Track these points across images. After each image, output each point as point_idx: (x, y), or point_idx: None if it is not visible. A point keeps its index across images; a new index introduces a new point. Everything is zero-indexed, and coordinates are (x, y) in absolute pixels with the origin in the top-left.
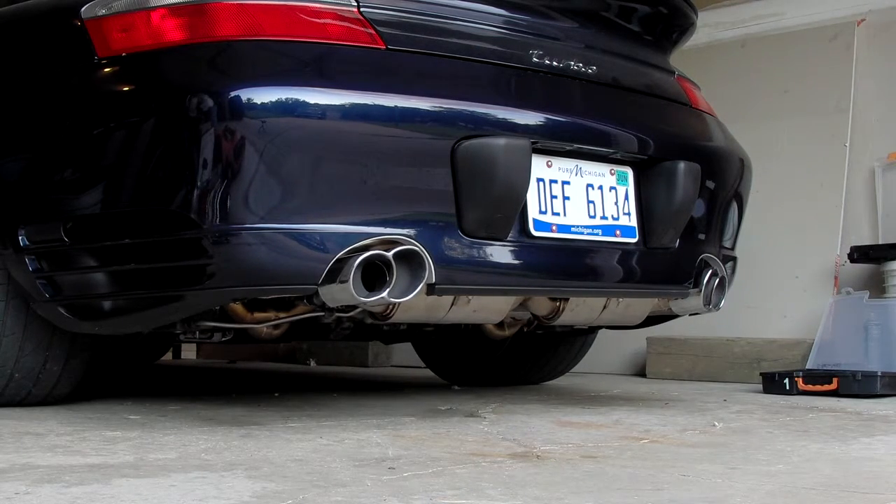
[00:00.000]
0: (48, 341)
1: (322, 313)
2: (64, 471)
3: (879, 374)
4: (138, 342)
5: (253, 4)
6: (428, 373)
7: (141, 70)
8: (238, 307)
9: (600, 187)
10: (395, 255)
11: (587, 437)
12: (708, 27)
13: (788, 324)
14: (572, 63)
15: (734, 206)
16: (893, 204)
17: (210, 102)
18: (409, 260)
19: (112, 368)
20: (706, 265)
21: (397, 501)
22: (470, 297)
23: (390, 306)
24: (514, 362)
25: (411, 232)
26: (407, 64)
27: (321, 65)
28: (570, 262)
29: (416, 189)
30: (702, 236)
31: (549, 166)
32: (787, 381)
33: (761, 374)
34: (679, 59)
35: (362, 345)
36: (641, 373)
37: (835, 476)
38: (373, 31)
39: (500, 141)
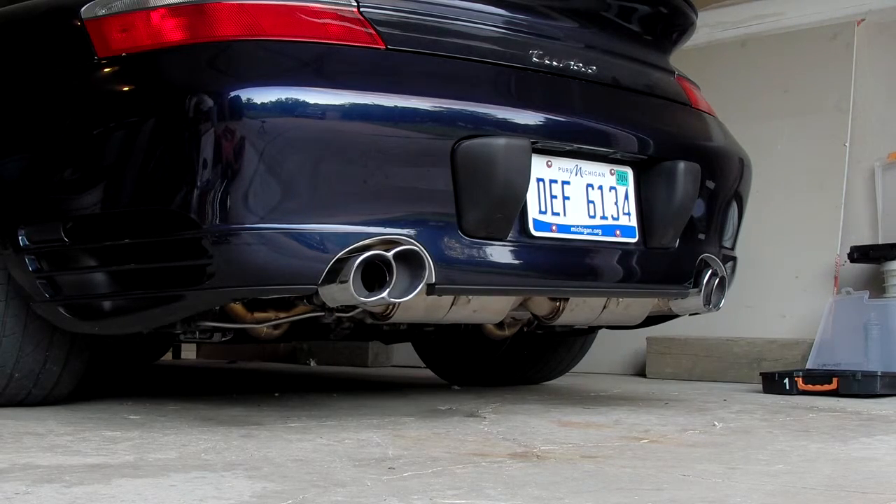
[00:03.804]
0: (48, 341)
1: (322, 313)
2: (64, 471)
3: (879, 374)
4: (138, 342)
5: (253, 4)
6: (428, 373)
7: (141, 70)
8: (238, 307)
9: (600, 187)
10: (395, 255)
11: (587, 437)
12: (708, 27)
13: (788, 324)
14: (572, 63)
15: (734, 205)
16: (893, 204)
17: (210, 102)
18: (409, 260)
19: (112, 368)
20: (706, 265)
21: (397, 501)
22: (470, 297)
23: (390, 306)
24: (514, 362)
25: (411, 232)
26: (407, 64)
27: (321, 65)
28: (570, 262)
29: (416, 189)
30: (702, 236)
31: (549, 166)
32: (787, 381)
33: (761, 374)
34: (679, 59)
35: (362, 345)
36: (641, 373)
37: (835, 476)
38: (373, 31)
39: (500, 141)
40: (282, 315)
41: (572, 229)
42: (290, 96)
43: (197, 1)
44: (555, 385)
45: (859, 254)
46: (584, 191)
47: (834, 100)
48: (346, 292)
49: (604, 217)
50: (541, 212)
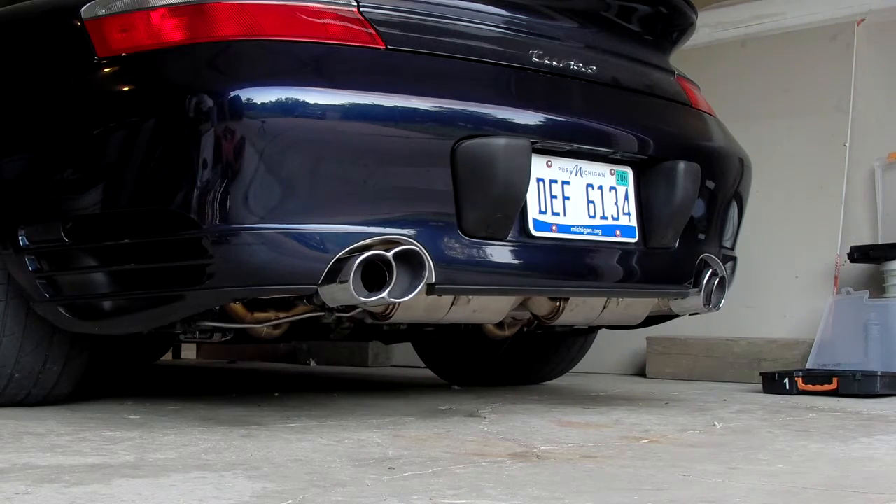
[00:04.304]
0: (48, 341)
1: (322, 313)
2: (64, 471)
3: (879, 374)
4: (138, 342)
5: (253, 4)
6: (428, 373)
7: (141, 70)
8: (238, 307)
9: (600, 187)
10: (395, 255)
11: (587, 437)
12: (708, 27)
13: (788, 324)
14: (572, 63)
15: (734, 205)
16: (893, 204)
17: (210, 102)
18: (409, 260)
19: (112, 368)
20: (706, 265)
21: (397, 501)
22: (470, 297)
23: (390, 306)
24: (514, 362)
25: (411, 232)
26: (407, 64)
27: (321, 65)
28: (570, 262)
29: (416, 189)
30: (702, 236)
31: (548, 166)
32: (787, 381)
33: (761, 374)
34: (679, 59)
35: (362, 345)
36: (641, 373)
37: (835, 476)
38: (373, 31)
39: (500, 141)
40: (282, 315)
41: (572, 229)
42: (290, 96)
43: (197, 1)
44: (555, 385)
45: (859, 254)
46: (584, 191)
47: (834, 100)
48: (346, 292)
49: (604, 217)
50: (541, 212)
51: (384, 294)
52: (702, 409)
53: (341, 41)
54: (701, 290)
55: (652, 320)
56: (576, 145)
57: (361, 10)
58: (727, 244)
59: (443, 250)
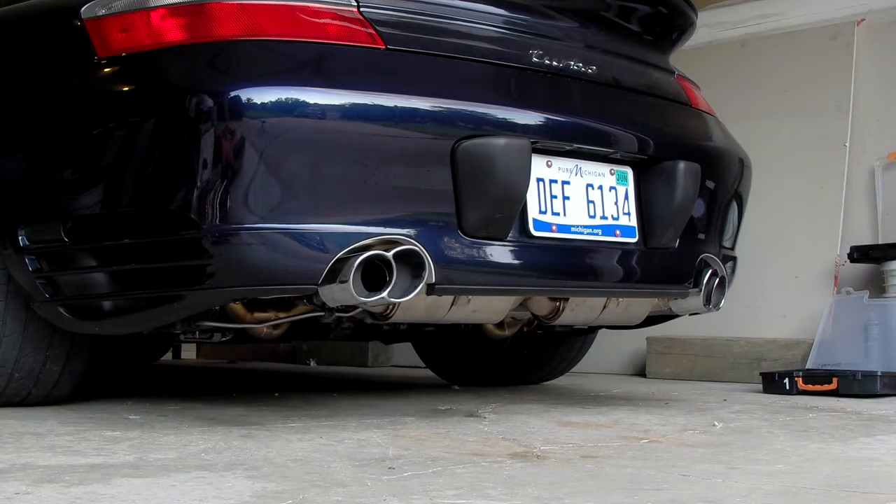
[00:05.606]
0: (48, 341)
1: (322, 313)
2: (64, 471)
3: (879, 374)
4: (138, 342)
5: (253, 4)
6: (428, 373)
7: (141, 70)
8: (238, 307)
9: (600, 187)
10: (395, 255)
11: (587, 437)
12: (708, 27)
13: (788, 324)
14: (572, 63)
15: (734, 205)
16: (893, 204)
17: (210, 102)
18: (409, 260)
19: (112, 368)
20: (706, 265)
21: (397, 501)
22: (470, 297)
23: (390, 306)
24: (514, 362)
25: (411, 232)
26: (407, 64)
27: (321, 65)
28: (570, 261)
29: (416, 189)
30: (702, 236)
31: (548, 166)
32: (787, 380)
33: (761, 374)
34: (679, 59)
35: (362, 345)
36: (641, 373)
37: (835, 476)
38: (372, 31)
39: (500, 141)
40: (282, 315)
41: (572, 229)
42: (289, 96)
43: (197, 1)
44: (555, 385)
45: (859, 254)
46: (583, 191)
47: (834, 100)
48: (346, 292)
49: (604, 217)
50: (541, 212)
51: (384, 294)
52: (702, 409)
53: (341, 41)
54: (701, 290)
55: (652, 320)
56: (576, 145)
57: (361, 10)
58: (727, 244)
59: (443, 250)
